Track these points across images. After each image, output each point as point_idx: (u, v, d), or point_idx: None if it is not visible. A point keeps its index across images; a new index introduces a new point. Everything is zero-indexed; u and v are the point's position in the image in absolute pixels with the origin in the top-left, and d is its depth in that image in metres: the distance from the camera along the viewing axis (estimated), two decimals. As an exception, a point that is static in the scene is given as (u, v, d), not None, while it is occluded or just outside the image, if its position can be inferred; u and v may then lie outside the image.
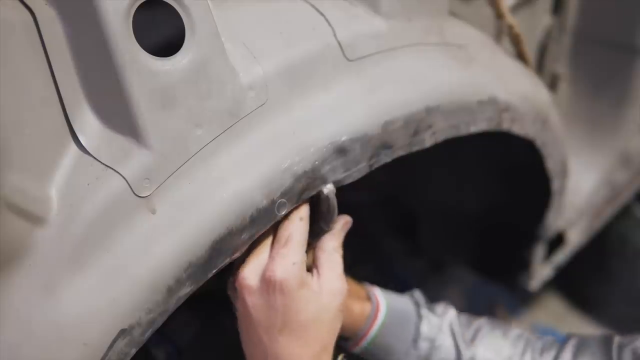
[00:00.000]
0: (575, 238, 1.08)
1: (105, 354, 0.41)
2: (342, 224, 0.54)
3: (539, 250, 0.98)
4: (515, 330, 0.69)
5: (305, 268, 0.49)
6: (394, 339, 0.66)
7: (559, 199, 0.86)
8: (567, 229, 1.04)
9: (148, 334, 0.43)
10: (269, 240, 0.50)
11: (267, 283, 0.47)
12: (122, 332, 0.41)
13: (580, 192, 1.04)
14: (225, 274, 0.55)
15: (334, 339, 0.52)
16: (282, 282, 0.47)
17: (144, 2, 0.39)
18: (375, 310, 0.64)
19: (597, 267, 1.49)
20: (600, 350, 0.62)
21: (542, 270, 1.03)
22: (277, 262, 0.47)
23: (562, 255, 1.07)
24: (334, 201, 0.50)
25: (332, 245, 0.53)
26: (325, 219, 0.52)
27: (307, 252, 0.50)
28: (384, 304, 0.65)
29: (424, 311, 0.68)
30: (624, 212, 1.33)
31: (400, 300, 0.68)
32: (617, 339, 0.62)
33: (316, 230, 0.53)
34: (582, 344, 0.64)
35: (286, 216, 0.49)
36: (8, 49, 0.38)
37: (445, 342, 0.67)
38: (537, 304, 1.59)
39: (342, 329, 0.57)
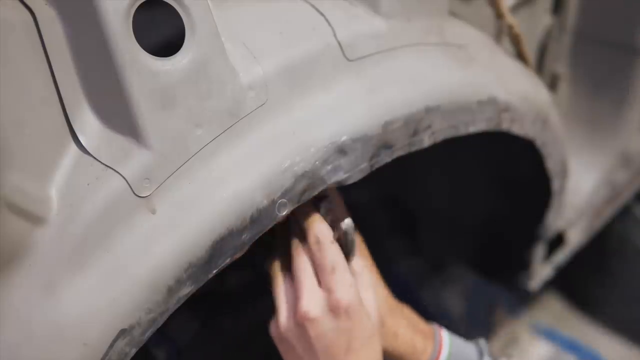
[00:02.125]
0: (575, 238, 1.08)
1: (106, 354, 0.41)
2: (359, 243, 0.56)
3: (539, 250, 0.98)
4: None
5: (358, 288, 0.52)
6: None
7: (559, 199, 0.86)
8: (567, 229, 1.04)
9: (148, 334, 0.43)
10: (307, 271, 0.52)
11: (336, 310, 0.50)
12: (122, 332, 0.41)
13: (580, 192, 1.04)
14: (227, 274, 0.55)
15: (382, 351, 0.55)
16: (348, 306, 0.50)
17: (144, 2, 0.39)
18: (438, 353, 0.65)
19: (597, 267, 1.49)
20: None
21: (542, 270, 1.03)
22: (340, 289, 0.50)
23: (562, 255, 1.07)
24: (352, 235, 0.53)
25: (360, 265, 0.56)
26: (345, 250, 0.54)
27: None
28: (447, 350, 0.66)
29: None
30: (624, 212, 1.33)
31: (465, 348, 0.68)
32: None
33: None
34: None
35: (317, 244, 0.51)
36: (8, 49, 0.38)
37: None
38: (537, 304, 1.59)
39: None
